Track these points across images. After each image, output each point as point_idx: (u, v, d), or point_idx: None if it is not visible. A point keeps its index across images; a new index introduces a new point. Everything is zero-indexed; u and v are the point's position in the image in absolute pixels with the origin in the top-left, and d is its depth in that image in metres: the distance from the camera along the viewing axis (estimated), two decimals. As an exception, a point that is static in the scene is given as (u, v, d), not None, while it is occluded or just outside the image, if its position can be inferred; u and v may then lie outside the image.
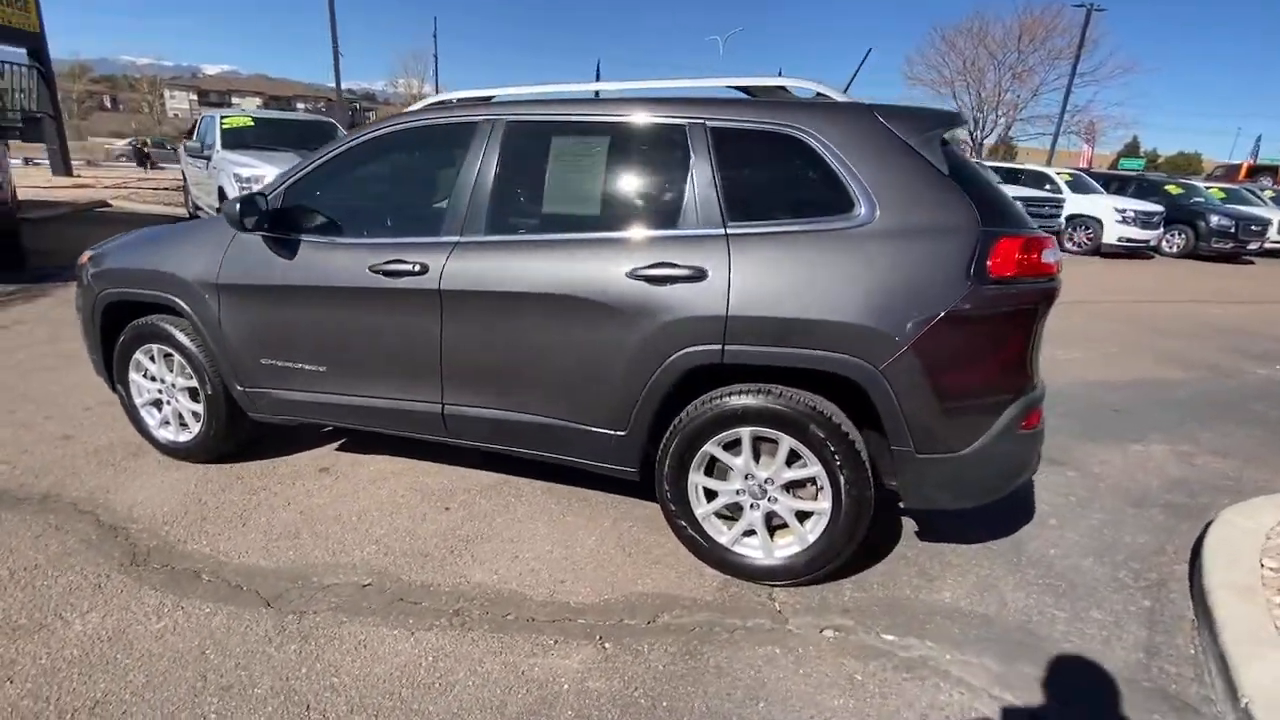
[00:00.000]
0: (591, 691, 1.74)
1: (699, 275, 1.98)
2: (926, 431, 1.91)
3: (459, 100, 2.46)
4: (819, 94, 2.15)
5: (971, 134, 30.98)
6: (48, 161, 14.87)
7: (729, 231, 1.99)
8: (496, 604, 2.08)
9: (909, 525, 2.61)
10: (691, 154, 2.05)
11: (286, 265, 2.46)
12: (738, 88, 2.30)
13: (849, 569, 2.28)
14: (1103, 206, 12.82)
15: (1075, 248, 13.23)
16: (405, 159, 2.49)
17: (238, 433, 2.88)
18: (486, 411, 2.35)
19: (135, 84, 50.22)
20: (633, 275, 2.03)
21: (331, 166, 2.48)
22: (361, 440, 3.14)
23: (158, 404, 2.93)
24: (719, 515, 2.20)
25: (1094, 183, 13.99)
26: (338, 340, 2.46)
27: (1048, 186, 13.48)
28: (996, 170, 13.82)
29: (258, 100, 50.65)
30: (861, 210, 1.91)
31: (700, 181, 2.03)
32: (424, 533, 2.47)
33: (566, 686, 1.76)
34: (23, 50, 12.20)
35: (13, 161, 18.16)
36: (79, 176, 14.90)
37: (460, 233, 2.26)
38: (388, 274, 2.29)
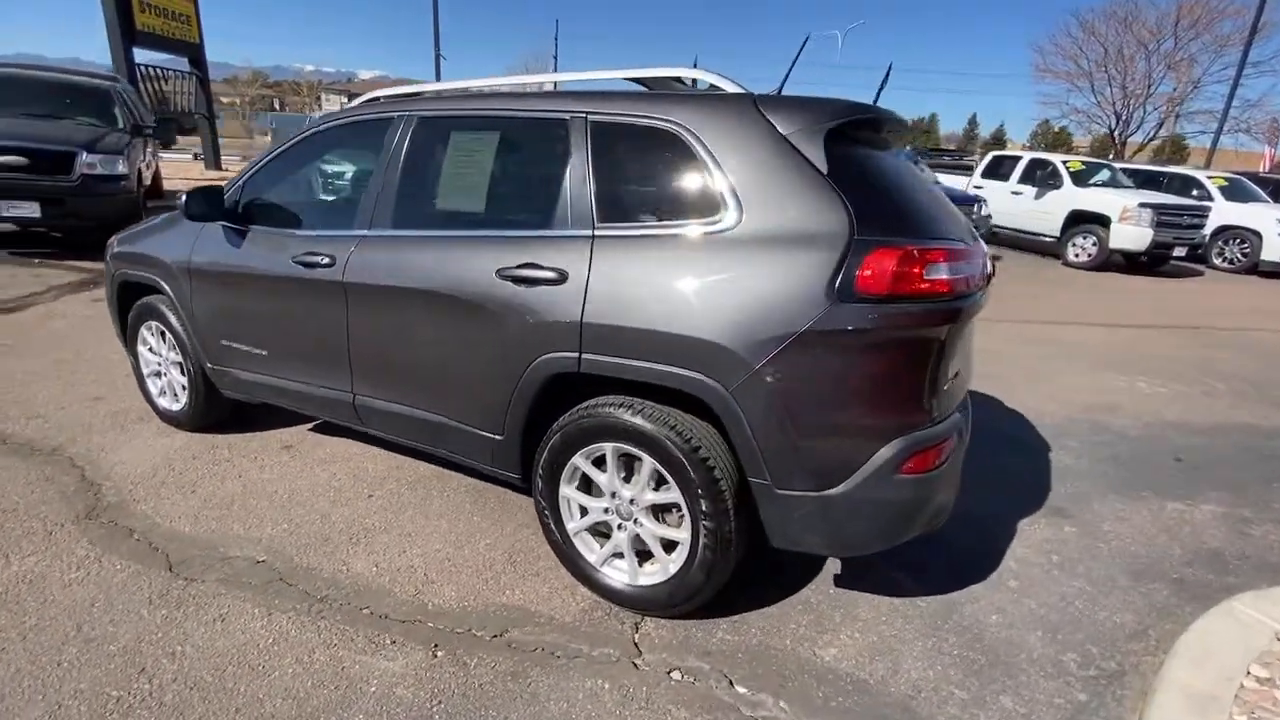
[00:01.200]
0: (394, 698, 1.71)
1: (561, 278, 1.88)
2: (784, 465, 1.70)
3: (386, 97, 2.51)
4: (711, 85, 1.97)
5: (1112, 131, 27.28)
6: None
7: (596, 233, 1.88)
8: (360, 596, 2.11)
9: (832, 566, 2.34)
10: (571, 150, 1.95)
11: (235, 253, 2.63)
12: (634, 79, 2.16)
13: (736, 606, 2.09)
14: (1264, 217, 10.91)
15: (1225, 264, 11.38)
16: (336, 154, 2.57)
17: (216, 407, 3.12)
18: (388, 404, 2.38)
19: (297, 89, 56.83)
20: (502, 275, 1.96)
21: (278, 162, 2.62)
22: (330, 423, 3.31)
23: (158, 375, 3.25)
24: (593, 532, 2.09)
25: (1258, 190, 11.91)
26: (271, 325, 2.61)
27: (1195, 192, 11.67)
28: (1132, 173, 12.15)
29: (397, 101, 55.34)
30: (728, 213, 1.72)
31: (576, 178, 1.93)
32: (337, 517, 2.55)
33: (374, 689, 1.74)
34: (185, 59, 14.06)
35: (183, 156, 20.84)
36: (227, 170, 16.97)
37: (368, 226, 2.30)
38: (305, 265, 2.38)
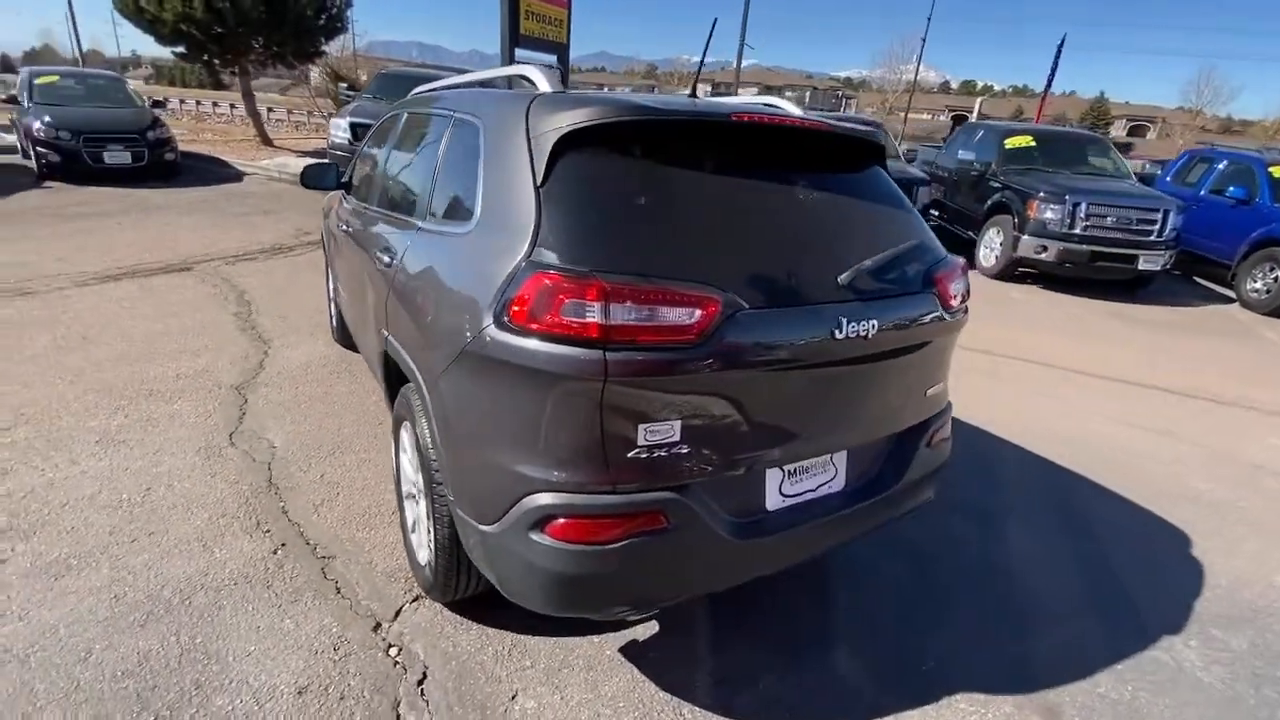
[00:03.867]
0: (221, 568, 2.20)
1: (390, 264, 2.06)
2: (455, 484, 1.63)
3: (420, 92, 2.92)
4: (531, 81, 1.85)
5: None
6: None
7: (421, 225, 2.00)
8: (290, 493, 2.67)
9: (646, 629, 2.06)
10: (439, 144, 2.09)
11: (338, 216, 3.42)
12: (507, 78, 2.12)
13: (515, 623, 2.03)
14: None
15: None
16: (389, 139, 3.07)
17: (347, 331, 4.09)
18: (362, 346, 2.88)
19: (669, 78, 63.85)
20: (376, 252, 2.23)
21: (367, 144, 3.29)
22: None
23: (332, 301, 4.39)
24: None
25: None
26: (346, 274, 3.34)
27: None
28: None
29: (754, 89, 57.89)
30: (474, 216, 1.68)
31: (432, 172, 2.07)
32: (347, 431, 3.20)
33: (218, 556, 2.26)
34: (554, 57, 17.19)
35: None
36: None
37: (371, 201, 2.79)
38: (348, 228, 3.01)
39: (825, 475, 1.79)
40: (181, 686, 1.74)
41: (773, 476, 1.68)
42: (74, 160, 8.66)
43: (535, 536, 1.46)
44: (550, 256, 1.40)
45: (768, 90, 69.53)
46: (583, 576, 1.48)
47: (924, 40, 39.87)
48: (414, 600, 2.14)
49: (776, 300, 1.49)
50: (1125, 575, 2.58)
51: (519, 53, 15.58)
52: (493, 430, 1.50)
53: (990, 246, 7.98)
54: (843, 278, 1.59)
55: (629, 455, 1.43)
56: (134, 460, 2.82)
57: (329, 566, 2.26)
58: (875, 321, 1.61)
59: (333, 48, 18.35)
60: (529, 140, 1.57)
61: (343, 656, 1.89)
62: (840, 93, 61.29)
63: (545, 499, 1.44)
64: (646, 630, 2.07)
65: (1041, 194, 7.30)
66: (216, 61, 11.94)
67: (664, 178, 1.55)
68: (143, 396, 3.40)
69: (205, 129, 19.47)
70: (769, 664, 1.98)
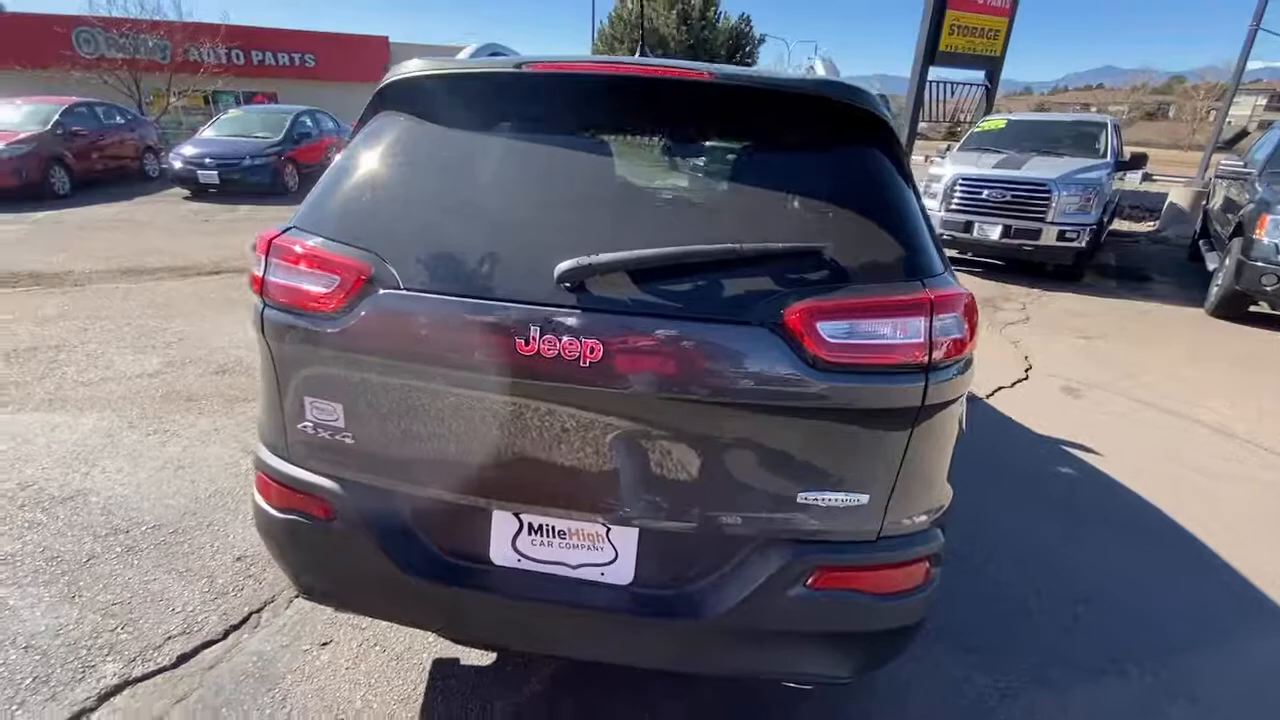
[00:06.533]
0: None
1: None
2: None
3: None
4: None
5: None
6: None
7: None
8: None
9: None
10: None
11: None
12: None
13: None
14: None
15: None
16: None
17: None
18: None
19: (1189, 93, 46.41)
20: None
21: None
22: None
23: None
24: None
25: None
26: None
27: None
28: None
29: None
30: None
31: None
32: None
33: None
34: (981, 72, 14.98)
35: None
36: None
37: None
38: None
39: (597, 554, 1.28)
40: (200, 522, 2.36)
41: (502, 522, 1.30)
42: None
43: (253, 489, 1.50)
44: (305, 219, 1.39)
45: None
46: (266, 536, 1.45)
47: None
48: (371, 535, 2.37)
49: (448, 285, 1.16)
50: None
51: (933, 71, 14.26)
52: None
53: None
54: (559, 269, 1.10)
55: (299, 425, 1.33)
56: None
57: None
58: (598, 343, 1.08)
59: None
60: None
61: (225, 589, 2.23)
62: None
63: (258, 449, 1.47)
64: (483, 659, 1.83)
65: None
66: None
67: (421, 141, 1.36)
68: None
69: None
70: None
